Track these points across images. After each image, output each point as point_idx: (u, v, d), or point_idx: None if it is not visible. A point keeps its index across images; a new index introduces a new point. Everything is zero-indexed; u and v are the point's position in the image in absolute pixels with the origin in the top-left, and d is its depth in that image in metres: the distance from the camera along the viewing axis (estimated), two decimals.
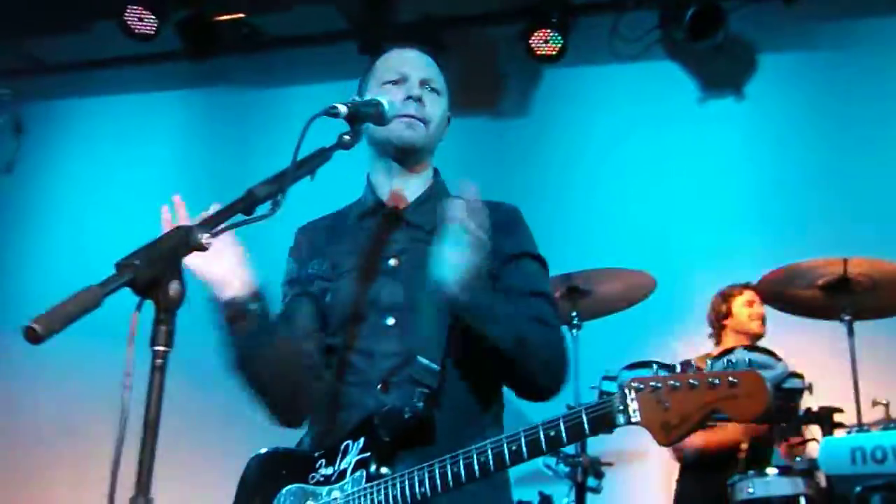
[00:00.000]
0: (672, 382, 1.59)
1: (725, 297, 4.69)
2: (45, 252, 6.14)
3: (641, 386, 1.61)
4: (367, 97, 2.08)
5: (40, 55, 6.47)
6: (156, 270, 1.29)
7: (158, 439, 1.28)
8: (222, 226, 1.49)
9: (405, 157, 2.16)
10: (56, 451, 5.66)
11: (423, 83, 2.16)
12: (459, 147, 5.81)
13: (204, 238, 1.38)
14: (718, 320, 4.69)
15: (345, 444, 1.94)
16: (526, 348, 1.95)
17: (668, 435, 1.60)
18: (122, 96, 6.51)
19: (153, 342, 1.30)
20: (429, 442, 1.88)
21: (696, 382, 1.57)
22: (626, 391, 1.63)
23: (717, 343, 4.68)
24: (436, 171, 2.25)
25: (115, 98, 6.52)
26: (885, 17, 5.48)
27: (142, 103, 6.47)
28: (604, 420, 1.66)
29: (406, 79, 2.15)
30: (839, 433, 3.51)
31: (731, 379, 1.55)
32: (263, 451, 2.09)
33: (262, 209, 1.59)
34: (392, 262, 2.09)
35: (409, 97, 2.11)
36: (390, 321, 2.04)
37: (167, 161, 6.19)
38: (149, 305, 1.31)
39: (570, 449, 3.63)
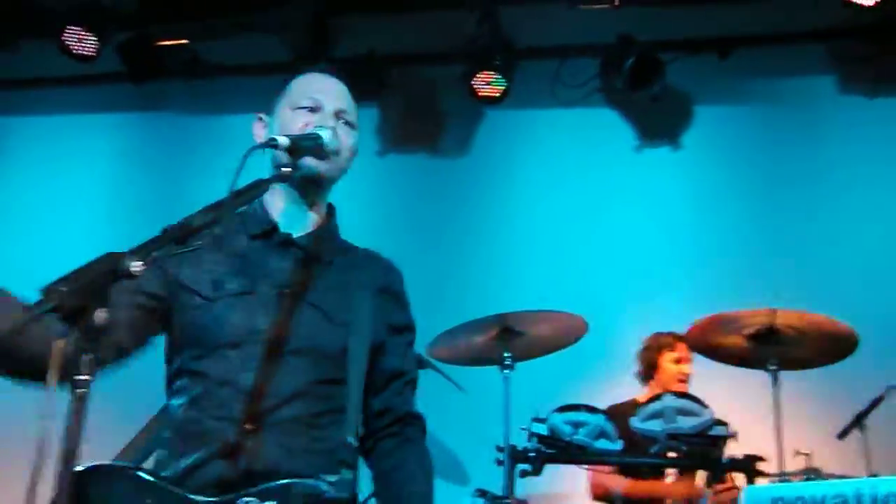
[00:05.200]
0: None
1: (658, 348, 4.67)
2: None
3: None
4: (277, 119, 2.08)
5: None
6: (82, 297, 1.26)
7: None
8: (154, 254, 1.45)
9: (308, 186, 2.06)
10: None
11: (338, 114, 2.07)
12: (399, 183, 5.93)
13: (134, 266, 1.35)
14: (647, 369, 4.72)
15: (246, 500, 1.80)
16: None
17: None
18: (58, 117, 6.39)
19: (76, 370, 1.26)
20: None
21: None
22: None
23: (645, 384, 4.72)
24: (330, 207, 2.17)
25: (52, 119, 6.38)
26: (813, 76, 5.67)
27: (79, 125, 6.35)
28: None
29: (320, 107, 2.06)
30: (761, 482, 3.56)
31: None
32: (96, 464, 1.78)
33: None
34: (283, 291, 1.98)
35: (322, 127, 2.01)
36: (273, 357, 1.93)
37: (104, 184, 6.08)
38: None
39: (497, 490, 3.61)
